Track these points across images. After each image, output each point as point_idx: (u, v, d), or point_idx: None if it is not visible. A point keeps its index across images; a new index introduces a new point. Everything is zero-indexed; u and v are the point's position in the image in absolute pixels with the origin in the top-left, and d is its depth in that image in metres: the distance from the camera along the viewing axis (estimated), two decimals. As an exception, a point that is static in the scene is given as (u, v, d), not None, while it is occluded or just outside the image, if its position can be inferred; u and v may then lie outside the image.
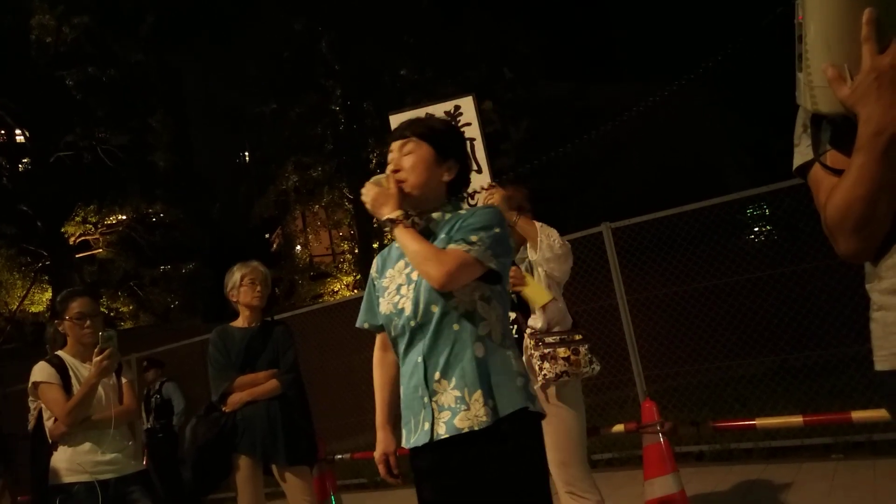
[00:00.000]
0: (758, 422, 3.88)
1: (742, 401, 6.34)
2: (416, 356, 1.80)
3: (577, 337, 3.03)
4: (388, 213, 1.84)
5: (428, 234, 1.88)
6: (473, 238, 1.74)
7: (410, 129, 1.92)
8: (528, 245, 3.06)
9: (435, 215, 1.90)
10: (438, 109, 3.42)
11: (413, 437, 1.81)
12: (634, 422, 3.83)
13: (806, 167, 1.24)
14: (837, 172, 1.15)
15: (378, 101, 16.43)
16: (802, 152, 1.24)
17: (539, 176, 12.90)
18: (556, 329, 3.03)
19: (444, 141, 1.91)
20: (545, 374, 2.90)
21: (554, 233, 3.00)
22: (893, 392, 1.19)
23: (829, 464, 4.73)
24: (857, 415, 3.30)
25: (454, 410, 1.72)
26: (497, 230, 1.79)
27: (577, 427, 2.97)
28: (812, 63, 1.15)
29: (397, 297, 1.86)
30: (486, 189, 3.16)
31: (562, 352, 2.93)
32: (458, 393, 1.73)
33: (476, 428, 1.70)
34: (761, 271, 6.81)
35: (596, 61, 21.34)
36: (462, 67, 16.29)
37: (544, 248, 2.96)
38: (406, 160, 1.89)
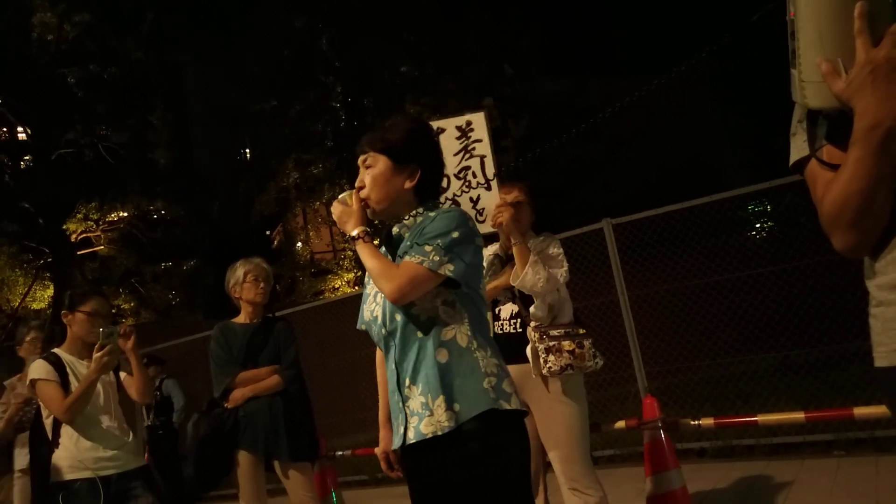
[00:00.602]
0: (759, 418, 3.87)
1: (743, 397, 6.33)
2: (391, 362, 1.84)
3: (581, 331, 3.04)
4: (351, 230, 1.89)
5: (400, 240, 1.91)
6: (428, 248, 1.75)
7: (368, 144, 1.94)
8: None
9: (407, 221, 1.92)
10: (450, 124, 3.40)
11: (396, 440, 1.85)
12: (636, 418, 3.82)
13: (802, 162, 1.24)
14: (834, 167, 1.15)
15: (378, 98, 16.41)
16: (799, 147, 1.24)
17: (539, 172, 12.88)
18: (559, 322, 3.04)
19: (399, 149, 1.91)
20: (550, 367, 2.90)
21: (544, 275, 2.91)
22: (893, 388, 1.18)
23: (831, 460, 4.73)
24: (859, 411, 3.27)
25: (420, 416, 1.75)
26: (455, 234, 1.78)
27: (579, 423, 2.98)
28: (804, 59, 1.14)
29: (373, 305, 1.91)
30: (496, 207, 3.08)
31: (567, 345, 2.94)
32: (423, 399, 1.75)
33: (439, 433, 1.71)
34: (763, 267, 6.79)
35: (597, 58, 21.25)
36: (462, 64, 16.25)
37: (524, 281, 2.91)
38: (367, 176, 1.92)
